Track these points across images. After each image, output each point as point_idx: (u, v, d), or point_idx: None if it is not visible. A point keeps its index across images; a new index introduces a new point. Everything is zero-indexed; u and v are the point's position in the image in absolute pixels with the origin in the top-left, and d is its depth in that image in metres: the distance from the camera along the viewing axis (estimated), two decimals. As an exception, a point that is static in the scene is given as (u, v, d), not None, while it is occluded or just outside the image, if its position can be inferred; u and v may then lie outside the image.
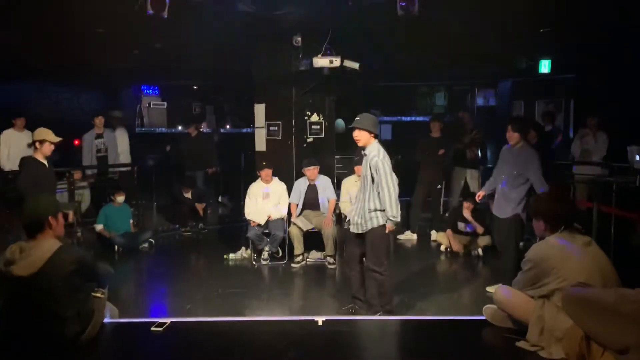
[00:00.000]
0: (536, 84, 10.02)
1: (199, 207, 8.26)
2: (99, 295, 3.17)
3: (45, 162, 5.32)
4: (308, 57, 6.32)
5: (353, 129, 4.31)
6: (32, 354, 2.85)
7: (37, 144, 5.20)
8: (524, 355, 2.88)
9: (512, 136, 5.15)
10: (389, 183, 4.17)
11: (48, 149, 5.23)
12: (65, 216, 4.57)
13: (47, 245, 2.86)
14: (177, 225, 8.29)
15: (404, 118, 11.31)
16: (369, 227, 4.28)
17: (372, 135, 4.32)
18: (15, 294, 2.84)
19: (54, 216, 2.96)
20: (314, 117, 6.82)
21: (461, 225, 6.80)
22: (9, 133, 7.56)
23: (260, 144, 7.02)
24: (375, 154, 4.24)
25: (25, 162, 5.32)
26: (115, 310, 3.46)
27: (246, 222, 6.66)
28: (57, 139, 5.23)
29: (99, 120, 8.07)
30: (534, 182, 4.96)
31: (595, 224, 5.76)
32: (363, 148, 4.37)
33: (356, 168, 6.47)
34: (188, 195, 8.27)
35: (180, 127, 11.41)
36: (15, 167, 5.89)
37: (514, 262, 4.64)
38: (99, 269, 3.16)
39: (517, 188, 5.05)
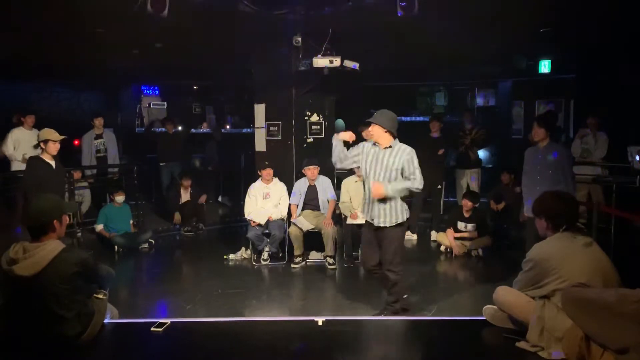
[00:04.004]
0: (536, 84, 10.01)
1: (202, 199, 8.37)
2: (100, 296, 3.18)
3: (53, 163, 5.36)
4: (308, 57, 6.33)
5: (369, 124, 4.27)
6: (32, 354, 2.85)
7: (42, 145, 5.30)
8: (524, 355, 2.88)
9: (538, 132, 4.94)
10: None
11: (53, 148, 5.29)
12: (70, 217, 4.59)
13: (51, 246, 2.86)
14: (177, 225, 8.29)
15: (404, 118, 11.28)
16: (399, 220, 4.22)
17: (386, 131, 4.21)
18: (17, 293, 2.84)
19: (59, 219, 2.97)
20: (314, 117, 6.82)
21: (461, 225, 6.80)
22: (18, 131, 7.47)
23: (260, 144, 7.02)
24: (406, 147, 4.20)
25: (31, 162, 5.39)
26: (115, 310, 3.46)
27: (246, 222, 6.66)
28: (59, 137, 5.31)
29: (99, 121, 8.09)
30: (565, 180, 4.74)
31: (595, 224, 5.76)
32: (375, 144, 4.29)
33: (356, 168, 6.45)
34: (187, 194, 8.28)
35: (181, 127, 11.38)
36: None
37: None
38: (100, 270, 3.16)
39: (558, 186, 4.52)
